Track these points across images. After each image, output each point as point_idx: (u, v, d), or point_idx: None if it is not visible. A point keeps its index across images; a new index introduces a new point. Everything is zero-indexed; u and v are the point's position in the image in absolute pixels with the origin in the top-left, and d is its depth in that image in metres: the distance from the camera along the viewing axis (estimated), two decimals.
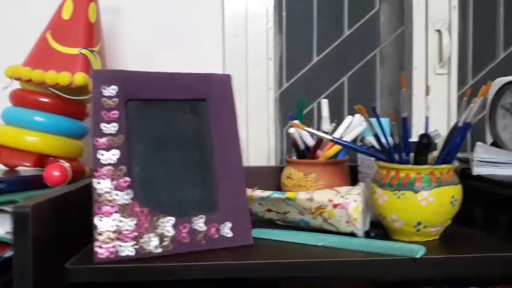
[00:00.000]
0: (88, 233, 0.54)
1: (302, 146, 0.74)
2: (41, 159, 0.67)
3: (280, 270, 0.53)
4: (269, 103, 0.95)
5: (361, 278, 0.76)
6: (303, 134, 0.73)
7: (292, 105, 0.95)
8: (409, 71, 0.97)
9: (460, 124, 0.58)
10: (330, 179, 0.70)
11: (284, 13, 0.99)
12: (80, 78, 0.65)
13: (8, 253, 0.53)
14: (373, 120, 0.60)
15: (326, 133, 0.69)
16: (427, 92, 0.71)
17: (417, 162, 0.58)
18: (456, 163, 0.59)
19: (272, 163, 0.95)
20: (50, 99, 0.68)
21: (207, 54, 0.91)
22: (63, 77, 0.65)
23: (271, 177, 0.83)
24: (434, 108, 0.94)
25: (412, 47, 0.97)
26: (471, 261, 0.55)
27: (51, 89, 0.66)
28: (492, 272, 0.76)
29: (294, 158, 0.75)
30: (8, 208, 0.53)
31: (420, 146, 0.57)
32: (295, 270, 0.53)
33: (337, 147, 0.72)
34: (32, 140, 0.66)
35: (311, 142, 0.73)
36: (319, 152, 0.73)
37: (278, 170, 0.79)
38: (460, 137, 0.58)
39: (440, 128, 0.66)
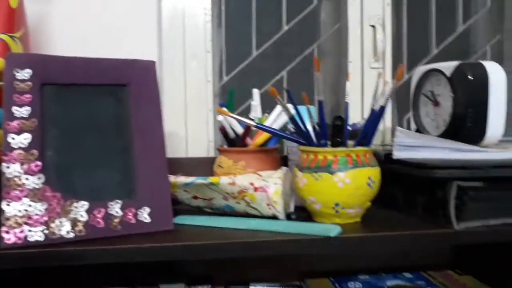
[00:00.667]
0: None
1: (232, 135, 0.74)
2: None
3: (197, 252, 0.53)
4: (207, 96, 0.95)
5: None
6: (233, 123, 0.73)
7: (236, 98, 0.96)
8: (345, 65, 1.00)
9: (375, 107, 0.60)
10: (259, 167, 0.70)
11: (223, 7, 1.00)
12: None
13: None
14: (303, 107, 0.61)
15: (252, 120, 0.69)
16: (347, 78, 0.72)
17: (334, 145, 0.60)
18: (372, 146, 0.61)
19: (212, 155, 0.95)
20: None
21: (143, 45, 0.90)
22: None
23: (208, 168, 0.83)
24: (368, 100, 0.96)
25: (347, 41, 0.99)
26: (383, 239, 0.56)
27: None
28: (401, 249, 0.79)
29: (225, 146, 0.75)
30: None
31: (335, 128, 0.58)
32: (209, 252, 0.53)
33: (265, 135, 0.72)
34: None
35: (240, 130, 0.73)
36: (248, 140, 0.73)
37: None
38: (375, 120, 0.60)
39: None
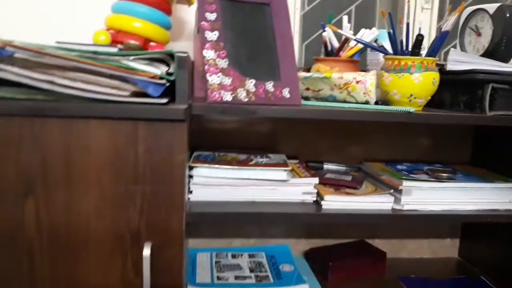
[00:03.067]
0: None
1: (329, 47, 1.02)
2: (146, 42, 0.92)
3: (320, 113, 0.83)
4: (295, 21, 1.21)
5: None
6: (331, 38, 1.01)
7: (311, 25, 1.22)
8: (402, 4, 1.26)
9: (443, 29, 0.88)
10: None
11: None
12: None
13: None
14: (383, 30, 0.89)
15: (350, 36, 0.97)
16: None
17: (413, 54, 0.88)
18: (436, 58, 0.90)
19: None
20: None
21: None
22: None
23: None
24: None
25: None
26: (440, 117, 0.86)
27: None
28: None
29: (322, 56, 1.03)
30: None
31: (416, 42, 0.87)
32: (327, 113, 0.83)
33: (355, 49, 1.00)
34: (138, 25, 0.91)
35: (336, 44, 1.01)
36: (340, 53, 1.02)
37: (305, 70, 1.07)
38: (441, 39, 0.88)
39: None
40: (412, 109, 0.85)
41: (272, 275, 1.08)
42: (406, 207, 0.93)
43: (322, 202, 0.93)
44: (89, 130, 0.67)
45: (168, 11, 0.96)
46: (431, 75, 0.88)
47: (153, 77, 0.69)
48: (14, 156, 0.66)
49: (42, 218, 0.68)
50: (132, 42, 0.90)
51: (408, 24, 0.87)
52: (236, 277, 1.07)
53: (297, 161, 1.12)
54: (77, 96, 0.67)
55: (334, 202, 0.93)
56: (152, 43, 0.93)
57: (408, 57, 0.88)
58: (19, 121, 0.66)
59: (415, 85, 0.87)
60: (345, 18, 1.05)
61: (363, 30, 1.02)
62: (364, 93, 0.90)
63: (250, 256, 1.19)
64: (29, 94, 0.67)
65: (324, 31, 1.01)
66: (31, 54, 0.66)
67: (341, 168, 1.15)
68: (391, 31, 0.88)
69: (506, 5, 0.92)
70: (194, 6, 0.99)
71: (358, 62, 1.03)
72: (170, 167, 0.70)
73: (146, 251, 0.70)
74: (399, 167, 1.13)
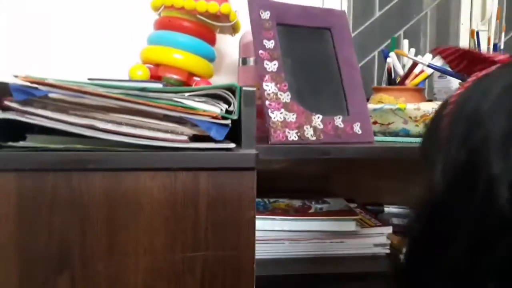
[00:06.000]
0: None
1: (393, 75, 0.90)
2: (189, 77, 0.81)
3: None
4: None
5: None
6: (395, 64, 0.89)
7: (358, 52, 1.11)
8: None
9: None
10: (415, 103, 0.87)
11: None
12: (225, 7, 0.79)
13: None
14: None
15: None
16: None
17: None
18: None
19: None
20: (192, 24, 0.80)
21: None
22: (212, 6, 0.78)
23: None
24: None
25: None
26: None
27: (199, 16, 0.79)
28: None
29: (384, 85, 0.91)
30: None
31: None
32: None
33: (422, 77, 0.88)
34: (179, 57, 0.79)
35: (400, 72, 0.89)
36: (406, 81, 0.90)
37: None
38: None
39: None
40: None
41: None
42: None
43: (401, 256, 0.78)
44: (139, 185, 0.54)
45: (212, 41, 0.84)
46: None
47: (215, 117, 0.57)
48: (46, 220, 0.53)
49: None
50: (175, 76, 0.79)
51: (496, 45, 0.75)
52: None
53: (355, 204, 0.98)
54: (124, 143, 0.54)
55: None
56: (196, 78, 0.82)
57: None
58: (53, 177, 0.53)
59: None
60: (406, 43, 0.93)
61: (428, 55, 0.90)
62: None
63: None
64: (65, 142, 0.54)
65: (387, 57, 0.90)
66: (69, 94, 0.53)
67: (405, 211, 1.01)
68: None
69: None
70: (237, 35, 0.88)
71: (424, 91, 0.90)
72: (237, 227, 0.56)
73: None
74: None
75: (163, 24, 0.81)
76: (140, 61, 0.82)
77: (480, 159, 0.34)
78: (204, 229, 0.56)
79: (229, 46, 0.98)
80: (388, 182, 1.05)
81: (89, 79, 0.71)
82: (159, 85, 0.67)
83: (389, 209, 1.01)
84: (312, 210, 0.84)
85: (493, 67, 0.40)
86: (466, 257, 0.33)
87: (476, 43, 0.77)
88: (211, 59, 0.84)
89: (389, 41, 1.03)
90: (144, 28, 0.84)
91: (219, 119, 0.57)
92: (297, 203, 0.88)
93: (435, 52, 0.45)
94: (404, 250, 0.40)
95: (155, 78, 0.80)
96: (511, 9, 1.19)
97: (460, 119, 0.37)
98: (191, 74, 0.81)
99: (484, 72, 0.39)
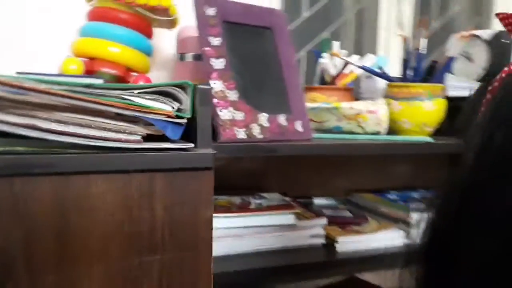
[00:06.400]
0: None
1: (329, 74, 0.94)
2: (126, 72, 0.77)
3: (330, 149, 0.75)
4: None
5: None
6: (328, 65, 0.94)
7: None
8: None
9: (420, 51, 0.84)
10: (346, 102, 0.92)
11: None
12: (166, 0, 0.76)
13: None
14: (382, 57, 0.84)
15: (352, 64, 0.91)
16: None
17: (425, 81, 0.84)
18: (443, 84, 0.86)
19: None
20: (129, 16, 0.76)
21: None
22: None
23: None
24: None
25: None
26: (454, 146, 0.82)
27: (138, 9, 0.75)
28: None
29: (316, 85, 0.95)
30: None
31: (430, 68, 0.82)
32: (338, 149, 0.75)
33: (351, 77, 0.94)
34: (116, 51, 0.75)
35: (332, 72, 0.94)
36: (336, 81, 0.95)
37: None
38: (449, 65, 0.85)
39: None
40: (431, 139, 0.80)
41: None
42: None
43: (336, 245, 0.84)
44: (90, 189, 0.51)
45: (149, 35, 0.81)
46: (441, 103, 0.84)
47: (169, 116, 0.55)
48: None
49: None
50: (112, 71, 0.75)
51: (418, 50, 0.82)
52: None
53: (289, 198, 1.01)
54: (72, 144, 0.51)
55: (348, 243, 0.85)
56: (133, 73, 0.78)
57: (420, 84, 0.83)
58: None
59: (427, 113, 0.83)
60: (336, 44, 0.98)
61: (354, 56, 0.96)
62: (377, 123, 0.83)
63: None
64: (5, 145, 0.49)
65: (319, 57, 0.94)
66: (7, 90, 0.48)
67: (332, 202, 1.07)
68: (408, 57, 0.82)
69: (502, 31, 0.92)
70: (174, 30, 0.86)
71: (352, 90, 0.96)
72: (195, 227, 0.56)
73: None
74: (390, 196, 1.07)
75: (97, 15, 0.76)
76: (71, 54, 0.76)
77: None
78: (161, 231, 0.54)
79: (164, 40, 0.95)
80: (315, 175, 1.10)
81: (17, 73, 0.64)
82: (100, 81, 0.64)
83: (317, 201, 1.06)
84: (252, 206, 0.85)
85: None
86: (499, 250, 0.30)
87: (407, 49, 0.83)
88: (148, 53, 0.81)
89: (315, 41, 1.08)
90: (75, 19, 0.78)
91: (173, 118, 0.56)
92: (237, 199, 0.89)
93: (498, 17, 0.45)
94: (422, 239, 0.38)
95: (89, 72, 0.75)
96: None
97: (502, 104, 0.35)
98: (128, 69, 0.77)
99: None
